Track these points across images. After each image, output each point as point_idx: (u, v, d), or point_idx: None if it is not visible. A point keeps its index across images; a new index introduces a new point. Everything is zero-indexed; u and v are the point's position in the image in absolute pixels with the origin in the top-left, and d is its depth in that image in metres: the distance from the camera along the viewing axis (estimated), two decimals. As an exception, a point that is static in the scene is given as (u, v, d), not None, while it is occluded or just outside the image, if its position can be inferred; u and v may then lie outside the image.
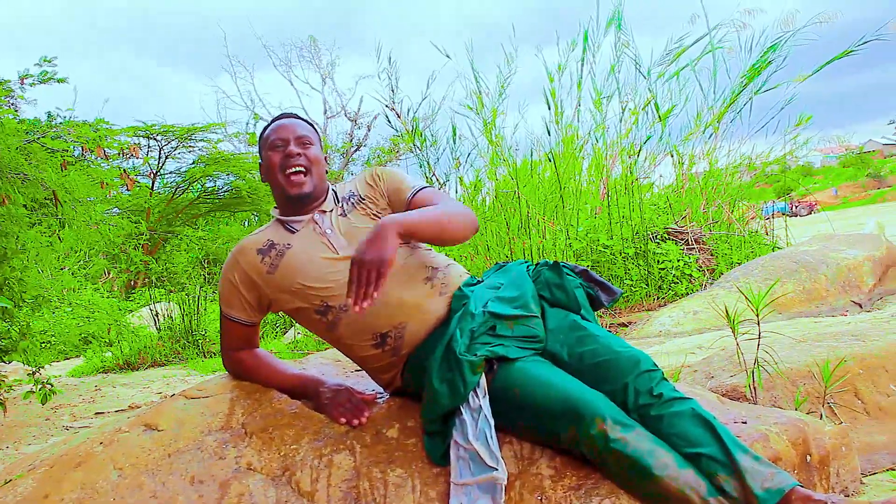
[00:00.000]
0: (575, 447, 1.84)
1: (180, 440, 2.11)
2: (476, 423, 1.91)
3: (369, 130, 22.48)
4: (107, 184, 7.45)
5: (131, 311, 12.38)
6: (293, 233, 2.25)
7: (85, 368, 8.64)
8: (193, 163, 16.59)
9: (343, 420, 2.13)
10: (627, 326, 5.76)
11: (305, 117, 2.38)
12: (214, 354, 8.26)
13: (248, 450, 2.07)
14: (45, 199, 5.57)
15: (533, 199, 6.22)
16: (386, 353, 2.17)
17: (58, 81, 5.65)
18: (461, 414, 1.93)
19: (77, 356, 10.14)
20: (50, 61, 5.60)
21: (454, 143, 7.41)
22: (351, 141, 22.49)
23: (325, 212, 2.27)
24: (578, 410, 1.80)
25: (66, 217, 5.37)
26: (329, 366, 2.52)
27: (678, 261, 6.30)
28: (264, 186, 17.67)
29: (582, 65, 7.92)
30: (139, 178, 16.53)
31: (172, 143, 15.82)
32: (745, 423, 2.04)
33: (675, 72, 7.90)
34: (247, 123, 22.48)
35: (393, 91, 7.63)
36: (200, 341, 8.55)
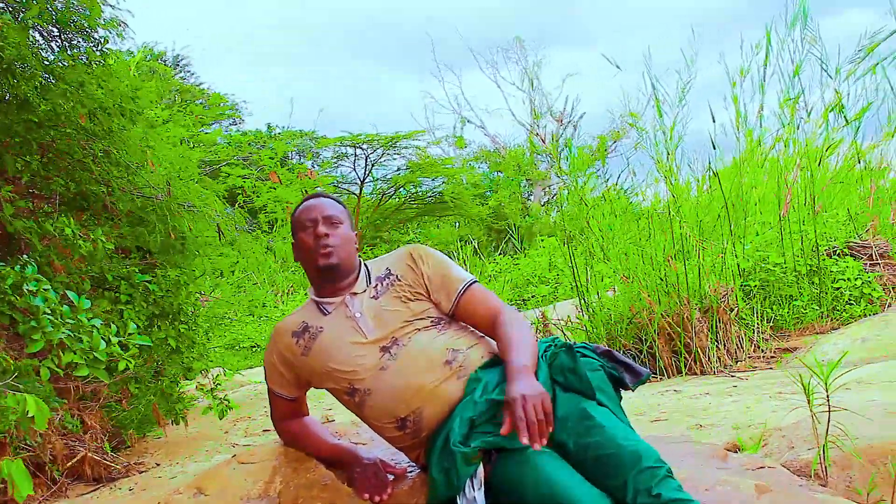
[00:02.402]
0: (563, 546, 1.82)
1: (219, 508, 2.28)
2: (470, 514, 1.93)
3: (575, 130, 22.42)
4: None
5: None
6: (326, 314, 2.34)
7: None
8: (398, 169, 17.30)
9: (366, 496, 2.20)
10: (791, 353, 5.40)
11: (334, 196, 2.48)
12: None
13: (275, 521, 2.20)
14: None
15: (691, 217, 5.91)
16: (407, 435, 2.22)
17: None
18: (458, 504, 1.96)
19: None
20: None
21: (602, 158, 7.19)
22: (557, 142, 22.44)
23: (356, 294, 2.34)
24: (563, 510, 1.78)
25: (238, 245, 5.78)
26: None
27: (856, 278, 5.82)
28: (467, 191, 18.14)
29: (765, 68, 7.47)
30: (348, 185, 17.55)
31: (378, 150, 16.54)
32: (767, 521, 1.91)
33: (871, 67, 7.27)
34: (454, 127, 23.10)
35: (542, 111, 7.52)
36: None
